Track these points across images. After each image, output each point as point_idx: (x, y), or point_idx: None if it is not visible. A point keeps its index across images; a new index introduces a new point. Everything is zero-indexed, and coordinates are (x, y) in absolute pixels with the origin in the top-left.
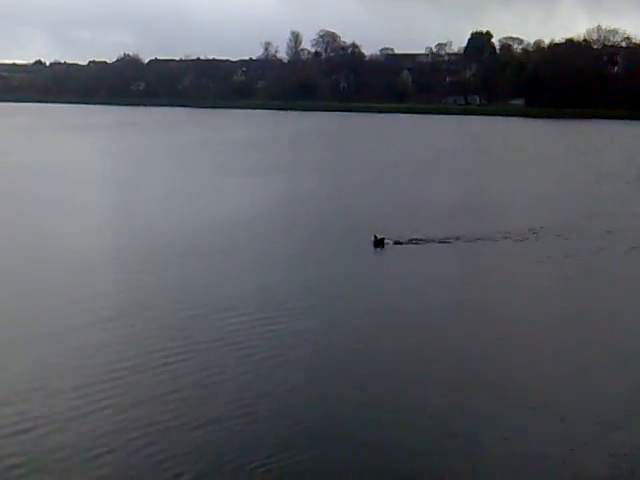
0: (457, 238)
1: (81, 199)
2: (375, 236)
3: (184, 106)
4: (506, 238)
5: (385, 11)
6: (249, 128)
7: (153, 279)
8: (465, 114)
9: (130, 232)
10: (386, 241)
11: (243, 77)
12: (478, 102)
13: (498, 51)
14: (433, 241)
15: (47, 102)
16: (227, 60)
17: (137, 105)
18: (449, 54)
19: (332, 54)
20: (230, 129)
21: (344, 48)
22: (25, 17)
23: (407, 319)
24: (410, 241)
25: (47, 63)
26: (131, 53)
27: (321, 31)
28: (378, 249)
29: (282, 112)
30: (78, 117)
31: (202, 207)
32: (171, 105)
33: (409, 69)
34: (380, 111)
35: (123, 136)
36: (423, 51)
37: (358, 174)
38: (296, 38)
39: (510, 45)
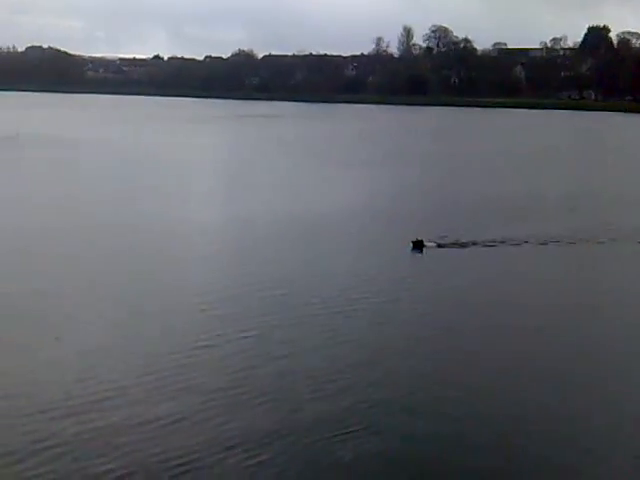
0: (513, 240)
1: (211, 187)
2: (415, 238)
3: (296, 100)
4: (578, 241)
5: (498, 6)
6: (358, 122)
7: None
8: (580, 109)
9: (237, 222)
10: (427, 243)
11: (354, 72)
12: (593, 97)
13: (616, 46)
14: (480, 244)
15: (164, 95)
16: (338, 55)
17: (250, 99)
18: (564, 49)
19: (444, 49)
20: (340, 123)
21: (456, 43)
22: (145, 13)
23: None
24: (454, 244)
25: (165, 58)
26: (246, 49)
27: (433, 26)
28: (416, 252)
29: (392, 107)
30: (200, 110)
31: (296, 198)
32: (283, 99)
33: (522, 64)
34: (492, 106)
35: (244, 128)
36: (537, 46)
37: (446, 170)
38: (408, 33)
39: (629, 40)
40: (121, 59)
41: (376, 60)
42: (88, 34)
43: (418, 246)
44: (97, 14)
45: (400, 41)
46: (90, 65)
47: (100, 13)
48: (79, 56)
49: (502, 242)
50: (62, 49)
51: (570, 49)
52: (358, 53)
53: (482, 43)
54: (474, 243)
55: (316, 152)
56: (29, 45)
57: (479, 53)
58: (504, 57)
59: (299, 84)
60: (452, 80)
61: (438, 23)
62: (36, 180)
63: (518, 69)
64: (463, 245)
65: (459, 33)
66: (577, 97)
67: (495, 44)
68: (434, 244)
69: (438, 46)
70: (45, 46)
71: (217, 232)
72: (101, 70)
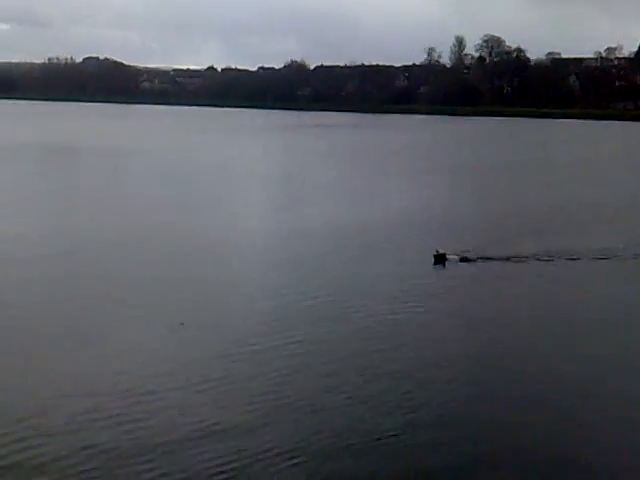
0: (541, 255)
1: (262, 195)
2: (437, 251)
3: (347, 111)
4: (602, 257)
5: (552, 15)
6: (409, 132)
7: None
8: (635, 120)
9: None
10: (449, 257)
11: (405, 82)
12: None
13: None
14: (506, 259)
15: (217, 106)
16: (390, 66)
17: (302, 110)
18: (619, 58)
19: (496, 59)
20: (391, 133)
21: (509, 52)
22: (199, 25)
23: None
24: (480, 258)
25: (219, 69)
26: (298, 59)
27: (485, 35)
28: (438, 266)
29: (443, 117)
30: (253, 120)
31: (340, 208)
32: (334, 110)
33: (576, 74)
34: (545, 116)
35: (296, 138)
36: (591, 55)
37: (489, 180)
38: (460, 43)
39: None
40: (175, 70)
41: (428, 70)
42: (143, 45)
43: (440, 260)
44: (152, 25)
45: (452, 51)
46: (145, 76)
47: (155, 24)
48: (134, 67)
49: (533, 257)
50: (118, 60)
51: (625, 59)
52: (410, 63)
53: (535, 53)
54: (502, 258)
55: (366, 162)
56: (86, 56)
57: (532, 63)
58: (558, 67)
59: (350, 95)
60: (505, 90)
61: (490, 33)
62: (101, 187)
63: (572, 79)
64: (488, 259)
65: (512, 43)
66: (632, 107)
67: (548, 54)
68: (456, 257)
69: (490, 56)
70: (102, 57)
71: (261, 240)
72: (156, 81)
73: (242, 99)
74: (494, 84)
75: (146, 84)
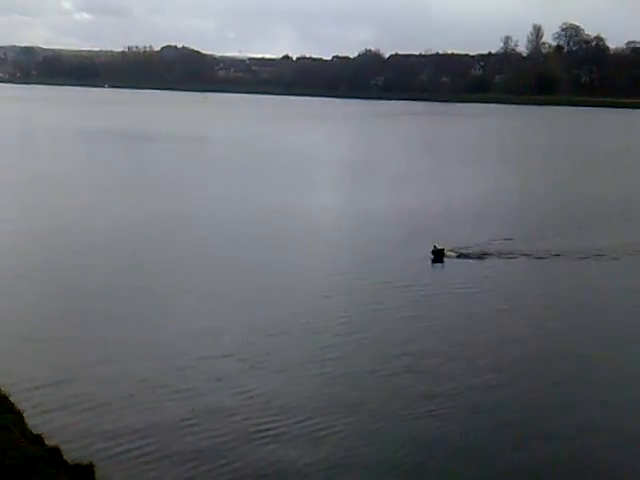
0: (548, 253)
1: (330, 179)
2: (435, 247)
3: (421, 100)
4: (612, 257)
5: (632, 3)
6: (485, 122)
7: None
8: None
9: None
10: (448, 253)
11: (480, 71)
12: None
13: None
14: (506, 255)
15: (291, 95)
16: (465, 54)
17: (376, 99)
18: None
19: (574, 47)
20: (466, 122)
21: (587, 41)
22: (274, 14)
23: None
24: (480, 255)
25: (294, 58)
26: (372, 48)
27: (564, 24)
28: (437, 264)
29: (519, 106)
30: (328, 109)
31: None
32: (408, 99)
33: None
34: (624, 106)
35: (372, 126)
36: None
37: (541, 172)
38: (537, 32)
39: None
40: (251, 59)
41: (504, 59)
42: (219, 34)
43: (438, 256)
44: (228, 14)
45: (529, 40)
46: (221, 64)
47: (231, 13)
48: (211, 55)
49: (557, 254)
50: (195, 49)
51: None
52: (485, 52)
53: (615, 42)
54: (502, 254)
55: (438, 150)
56: (164, 45)
57: (611, 52)
58: (638, 56)
59: (424, 84)
60: (583, 79)
61: (569, 21)
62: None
63: None
64: (483, 256)
65: (591, 31)
66: None
67: (629, 42)
68: (454, 254)
69: (568, 45)
70: (179, 46)
71: (318, 222)
72: (231, 69)
73: (316, 88)
74: (572, 73)
75: (222, 72)
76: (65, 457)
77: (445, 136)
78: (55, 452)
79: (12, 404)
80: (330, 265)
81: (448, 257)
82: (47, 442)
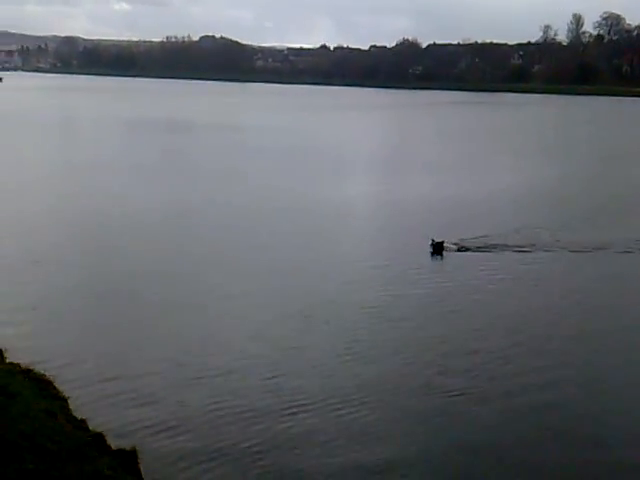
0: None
1: (361, 169)
2: (432, 240)
3: (459, 90)
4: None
5: None
6: (524, 111)
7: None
8: None
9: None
10: (447, 245)
11: (520, 61)
12: None
13: None
14: (508, 248)
15: (329, 85)
16: (504, 44)
17: (413, 89)
18: None
19: (615, 37)
20: (505, 112)
21: (629, 31)
22: (312, 4)
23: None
24: (481, 247)
25: (331, 47)
26: (410, 37)
27: (605, 13)
28: (436, 257)
29: (559, 96)
30: (366, 99)
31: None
32: (446, 89)
33: None
34: None
35: (411, 116)
36: None
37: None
38: (578, 21)
39: None
40: (288, 49)
41: (544, 48)
42: (257, 24)
43: (438, 249)
44: (266, 4)
45: (569, 29)
46: (260, 55)
47: (269, 4)
48: (249, 46)
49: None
50: (233, 39)
51: None
52: (525, 41)
53: None
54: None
55: (476, 139)
56: (203, 35)
57: None
58: None
59: (463, 73)
60: (624, 69)
61: (610, 10)
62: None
63: None
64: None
65: (632, 20)
66: None
67: None
68: (455, 247)
69: (609, 34)
70: (217, 36)
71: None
72: (269, 60)
73: (354, 78)
74: (612, 63)
75: (260, 62)
76: (109, 443)
77: (484, 125)
78: (99, 438)
79: (57, 390)
80: (351, 253)
81: (448, 250)
82: (91, 428)
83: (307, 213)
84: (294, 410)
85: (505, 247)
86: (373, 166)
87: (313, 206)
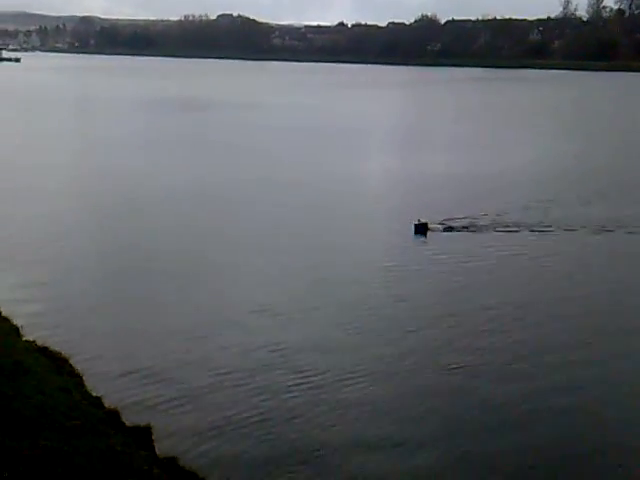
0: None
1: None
2: (418, 220)
3: (478, 66)
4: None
5: None
6: (544, 88)
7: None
8: None
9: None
10: (432, 226)
11: (539, 37)
12: None
13: None
14: (497, 228)
15: (347, 62)
16: (523, 19)
17: (432, 65)
18: None
19: (637, 12)
20: (525, 88)
21: None
22: None
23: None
24: (466, 227)
25: (349, 24)
26: (429, 14)
27: None
28: (419, 236)
29: (579, 72)
30: (388, 76)
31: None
32: (465, 65)
33: None
34: None
35: (430, 92)
36: None
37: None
38: None
39: None
40: (306, 26)
41: (563, 24)
42: (275, 2)
43: (421, 230)
44: None
45: (589, 4)
46: (277, 33)
47: None
48: (266, 24)
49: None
50: (251, 17)
51: None
52: (544, 17)
53: None
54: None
55: (495, 116)
56: (220, 13)
57: None
58: None
59: (482, 49)
60: None
61: None
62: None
63: None
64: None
65: None
66: None
67: None
68: (440, 227)
69: (630, 8)
70: (235, 14)
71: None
72: (287, 37)
73: (372, 55)
74: (634, 38)
75: (277, 40)
76: (123, 419)
77: (503, 102)
78: (114, 414)
79: (72, 367)
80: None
81: (432, 230)
82: (106, 405)
83: (317, 189)
84: (306, 386)
85: (510, 225)
86: (391, 143)
87: (325, 182)
